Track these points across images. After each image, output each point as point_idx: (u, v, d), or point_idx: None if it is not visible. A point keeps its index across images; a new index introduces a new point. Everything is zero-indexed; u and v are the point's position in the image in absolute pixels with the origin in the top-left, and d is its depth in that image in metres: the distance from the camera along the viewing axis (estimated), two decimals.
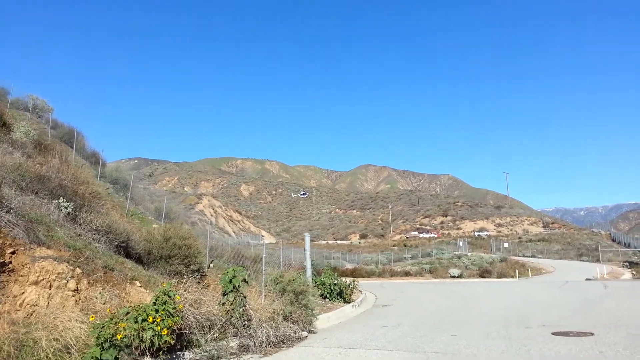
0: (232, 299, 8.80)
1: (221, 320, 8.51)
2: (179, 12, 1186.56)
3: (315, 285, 15.10)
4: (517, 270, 37.11)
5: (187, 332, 7.77)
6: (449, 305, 15.58)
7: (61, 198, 10.79)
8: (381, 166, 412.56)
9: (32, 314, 6.81)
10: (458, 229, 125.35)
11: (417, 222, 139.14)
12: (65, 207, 10.55)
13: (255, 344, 8.35)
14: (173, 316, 7.14)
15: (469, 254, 63.22)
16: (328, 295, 15.25)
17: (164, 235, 12.83)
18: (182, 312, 7.67)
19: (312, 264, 17.26)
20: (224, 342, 8.10)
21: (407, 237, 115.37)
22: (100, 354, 5.85)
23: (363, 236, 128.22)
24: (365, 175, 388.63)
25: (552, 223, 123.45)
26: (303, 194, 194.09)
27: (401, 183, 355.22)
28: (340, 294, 15.51)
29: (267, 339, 8.53)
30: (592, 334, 8.78)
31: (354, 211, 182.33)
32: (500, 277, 34.92)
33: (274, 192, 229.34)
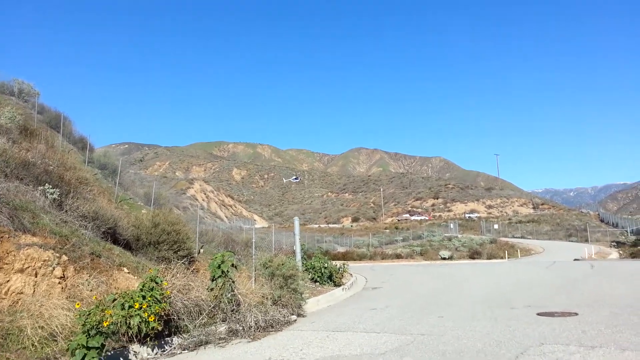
0: (221, 284, 8.82)
1: (210, 306, 8.54)
2: None
3: (306, 269, 15.18)
4: (506, 252, 37.55)
5: (175, 318, 7.79)
6: (437, 287, 15.74)
7: (47, 184, 10.67)
8: (373, 149, 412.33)
9: (17, 302, 6.78)
10: (449, 211, 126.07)
11: (408, 204, 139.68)
12: (51, 194, 10.44)
13: (244, 329, 8.39)
14: (160, 302, 7.15)
15: (459, 235, 63.75)
16: (318, 279, 15.35)
17: (152, 221, 12.77)
18: (170, 298, 7.68)
19: (303, 248, 17.32)
20: (213, 327, 8.14)
21: (398, 220, 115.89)
22: (87, 341, 5.83)
23: (355, 219, 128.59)
24: (357, 159, 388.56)
25: (542, 204, 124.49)
26: (295, 179, 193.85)
27: (393, 166, 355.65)
28: (330, 277, 15.61)
29: (255, 324, 8.57)
30: (576, 313, 8.92)
31: (346, 194, 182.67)
32: (490, 259, 35.31)
33: (266, 176, 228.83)
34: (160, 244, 12.27)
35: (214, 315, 8.55)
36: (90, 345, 5.83)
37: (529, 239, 64.54)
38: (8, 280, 6.98)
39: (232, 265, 9.04)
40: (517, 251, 39.77)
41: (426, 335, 7.56)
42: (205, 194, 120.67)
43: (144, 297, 6.97)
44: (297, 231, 15.88)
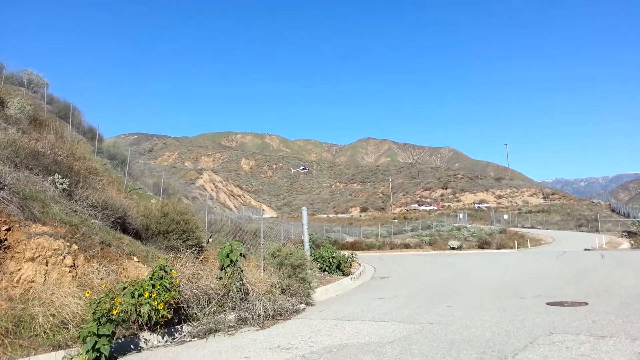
0: (230, 273, 8.86)
1: (219, 294, 8.59)
2: None
3: (314, 259, 15.21)
4: (516, 242, 37.39)
5: (184, 306, 7.86)
6: (446, 276, 15.72)
7: (56, 174, 10.76)
8: (382, 139, 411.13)
9: (29, 290, 6.86)
10: (458, 201, 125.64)
11: (417, 194, 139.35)
12: (61, 184, 10.53)
13: (252, 317, 8.44)
14: (170, 291, 7.21)
15: (468, 225, 63.57)
16: (327, 268, 15.38)
17: (161, 210, 12.85)
18: (179, 286, 7.74)
19: (312, 238, 17.34)
20: (222, 315, 8.19)
21: (407, 210, 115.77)
22: (98, 329, 5.91)
23: (363, 209, 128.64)
24: (366, 149, 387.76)
25: (552, 194, 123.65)
26: (303, 169, 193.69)
27: (401, 156, 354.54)
28: (338, 266, 15.64)
29: (264, 312, 8.62)
30: (586, 303, 8.86)
31: (355, 185, 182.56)
32: (499, 249, 35.18)
33: (274, 166, 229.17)
34: (169, 234, 12.35)
35: (223, 303, 8.61)
36: (101, 333, 5.90)
37: (539, 229, 64.22)
38: (19, 269, 7.07)
39: (241, 254, 9.08)
40: (526, 241, 39.59)
41: (434, 325, 7.56)
42: (214, 184, 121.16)
43: (153, 286, 7.03)
44: (306, 221, 15.90)
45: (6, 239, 7.20)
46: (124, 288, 7.01)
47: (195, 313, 7.91)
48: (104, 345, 5.89)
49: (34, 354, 5.74)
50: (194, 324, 7.74)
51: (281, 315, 8.89)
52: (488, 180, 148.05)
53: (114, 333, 6.13)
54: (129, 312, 6.71)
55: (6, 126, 13.31)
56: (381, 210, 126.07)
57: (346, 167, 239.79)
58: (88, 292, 6.73)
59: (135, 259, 9.31)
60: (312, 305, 10.41)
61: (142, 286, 6.97)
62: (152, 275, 7.26)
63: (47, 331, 6.12)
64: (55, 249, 7.54)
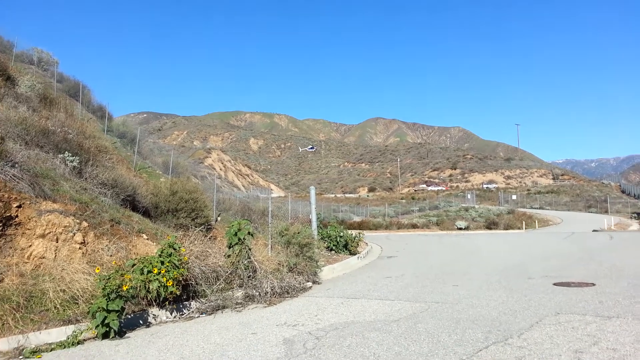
0: (238, 251, 8.92)
1: (227, 272, 8.66)
2: None
3: (322, 238, 15.27)
4: (524, 222, 37.23)
5: (193, 283, 7.93)
6: (453, 256, 15.73)
7: (66, 152, 10.81)
8: (391, 119, 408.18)
9: (39, 266, 6.95)
10: (467, 181, 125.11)
11: (425, 175, 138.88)
12: (71, 161, 10.58)
13: (260, 294, 8.52)
14: (178, 268, 7.27)
15: (476, 206, 63.37)
16: (334, 248, 15.45)
17: (170, 189, 12.91)
18: (188, 263, 7.80)
19: (319, 217, 17.40)
20: (230, 292, 8.27)
21: (415, 190, 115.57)
22: (107, 305, 5.99)
23: (371, 189, 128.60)
24: (375, 129, 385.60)
25: (562, 175, 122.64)
26: (311, 148, 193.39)
27: (410, 136, 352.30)
28: (345, 246, 15.70)
29: (271, 290, 8.69)
30: (593, 284, 8.83)
31: (363, 164, 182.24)
32: (507, 229, 35.08)
33: (282, 145, 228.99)
34: (178, 212, 12.43)
35: (231, 281, 8.69)
36: (110, 308, 5.98)
37: (548, 209, 63.87)
38: (30, 245, 7.15)
39: (249, 233, 9.12)
40: (535, 222, 39.42)
41: (440, 303, 7.57)
42: (222, 163, 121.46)
43: (162, 263, 7.09)
44: (313, 200, 15.92)
45: (17, 216, 7.27)
46: (133, 265, 7.08)
47: (204, 290, 7.98)
48: (113, 320, 5.97)
49: (45, 328, 5.83)
50: (202, 300, 7.82)
51: (288, 293, 8.96)
52: (497, 160, 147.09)
53: (123, 309, 6.21)
54: (138, 289, 6.79)
55: (17, 104, 13.36)
56: (389, 191, 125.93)
57: (355, 147, 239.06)
58: (98, 269, 6.81)
59: (145, 236, 9.38)
60: (319, 283, 10.47)
61: (151, 263, 7.03)
62: (161, 252, 7.31)
63: (58, 306, 6.22)
64: (65, 226, 7.61)
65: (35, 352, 5.44)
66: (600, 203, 62.16)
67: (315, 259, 11.03)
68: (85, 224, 7.99)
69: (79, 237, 7.69)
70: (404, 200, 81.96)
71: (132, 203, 11.50)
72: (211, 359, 5.14)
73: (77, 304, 6.39)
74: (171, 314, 7.30)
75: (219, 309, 7.76)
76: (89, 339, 6.02)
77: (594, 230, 29.43)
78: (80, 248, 7.59)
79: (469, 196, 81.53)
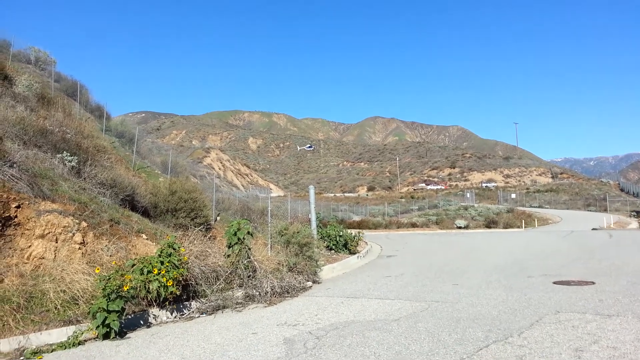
0: (237, 250, 8.93)
1: (226, 272, 8.67)
2: None
3: (321, 237, 15.28)
4: (523, 221, 37.29)
5: (193, 283, 7.94)
6: (452, 255, 15.75)
7: (65, 152, 10.80)
8: (389, 118, 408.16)
9: (39, 267, 6.95)
10: (466, 180, 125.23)
11: (424, 174, 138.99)
12: (70, 161, 10.58)
13: (260, 294, 8.53)
14: (178, 268, 7.27)
15: (475, 205, 63.38)
16: (334, 247, 15.46)
17: (169, 188, 12.91)
18: (188, 263, 7.81)
19: (319, 216, 17.40)
20: (230, 292, 8.29)
21: (414, 189, 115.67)
22: (107, 305, 5.99)
23: (371, 188, 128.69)
24: (373, 128, 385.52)
25: (561, 173, 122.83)
26: (309, 147, 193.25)
27: (409, 135, 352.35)
28: (345, 245, 15.71)
29: (271, 289, 8.70)
30: (593, 282, 8.85)
31: (362, 164, 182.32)
32: (506, 228, 35.14)
33: (281, 145, 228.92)
34: (177, 212, 12.43)
35: (231, 281, 8.70)
36: (111, 309, 5.99)
37: (547, 208, 63.94)
38: (29, 246, 7.15)
39: (248, 232, 9.13)
40: (534, 220, 39.49)
41: (440, 302, 7.59)
42: (221, 162, 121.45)
43: (162, 263, 7.10)
44: (313, 199, 15.93)
45: (16, 216, 7.27)
46: (133, 265, 7.09)
47: (204, 290, 7.99)
48: (113, 320, 5.98)
49: (45, 329, 5.84)
50: (202, 300, 7.83)
51: (288, 292, 8.97)
52: (496, 159, 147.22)
53: (123, 309, 6.22)
54: (138, 289, 6.80)
55: (14, 104, 13.33)
56: (388, 190, 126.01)
57: (353, 146, 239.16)
58: (98, 269, 6.81)
59: (144, 236, 9.39)
60: (318, 283, 10.49)
61: (151, 263, 7.04)
62: (161, 252, 7.32)
63: (58, 307, 6.22)
64: (64, 226, 7.62)
65: (36, 352, 5.45)
66: (599, 201, 62.22)
67: (315, 258, 11.04)
68: (84, 224, 8.00)
69: (78, 237, 7.69)
70: (403, 199, 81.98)
71: (131, 203, 11.50)
72: (212, 359, 5.16)
73: (78, 304, 6.40)
74: (171, 314, 7.31)
75: (219, 309, 7.77)
76: (90, 339, 6.03)
77: (593, 229, 29.48)
78: (79, 248, 7.59)
79: (468, 195, 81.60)
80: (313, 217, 15.62)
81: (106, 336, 5.99)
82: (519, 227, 35.42)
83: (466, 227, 35.37)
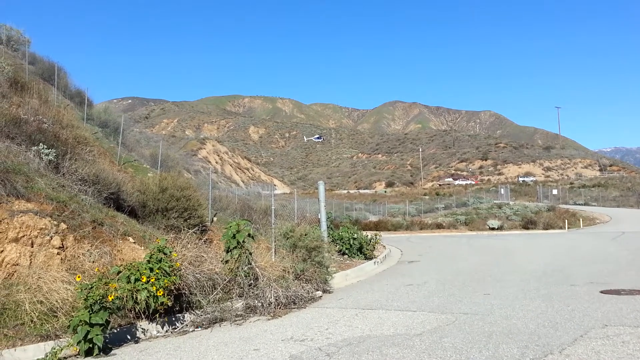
0: (237, 256, 8.97)
1: (224, 280, 8.71)
2: None
3: (332, 240, 15.31)
4: (566, 221, 36.99)
5: (186, 292, 7.99)
6: (484, 261, 15.71)
7: (41, 144, 10.89)
8: (411, 103, 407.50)
9: (13, 275, 7.05)
10: (500, 174, 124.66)
11: (452, 167, 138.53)
12: (47, 155, 10.67)
13: (262, 305, 8.57)
14: (170, 275, 7.33)
15: (511, 202, 63.09)
16: (347, 251, 15.49)
17: (159, 185, 12.99)
18: (180, 270, 7.86)
19: (329, 216, 17.42)
20: (228, 303, 8.32)
21: (440, 185, 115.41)
22: (90, 317, 6.05)
23: (389, 184, 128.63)
24: (392, 114, 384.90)
25: (611, 165, 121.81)
26: (318, 138, 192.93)
27: (434, 122, 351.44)
28: (360, 249, 15.73)
29: (276, 300, 8.74)
30: None
31: (379, 156, 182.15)
32: (546, 229, 34.91)
33: (287, 134, 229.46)
34: (168, 211, 12.51)
35: (230, 290, 8.74)
36: (93, 322, 6.04)
37: (594, 206, 63.47)
38: (2, 251, 7.25)
39: (249, 235, 9.16)
40: (579, 220, 39.20)
41: (470, 315, 7.58)
42: (218, 155, 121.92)
43: (151, 270, 7.15)
44: (322, 197, 15.94)
45: None
46: (119, 272, 7.14)
47: (199, 300, 8.05)
48: (97, 335, 6.04)
49: (20, 345, 5.91)
50: (197, 312, 7.89)
51: (295, 303, 9.01)
52: (535, 149, 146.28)
53: (108, 322, 6.27)
54: (124, 299, 6.85)
55: None
56: (410, 185, 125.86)
57: (369, 135, 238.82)
58: (79, 277, 6.88)
59: (131, 239, 9.47)
60: (329, 292, 10.52)
61: (138, 270, 7.10)
62: (150, 257, 7.38)
63: (34, 320, 6.30)
64: (41, 229, 7.71)
65: None
66: None
67: (326, 264, 11.07)
68: (63, 225, 8.08)
69: (56, 241, 7.78)
70: (427, 197, 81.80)
71: (116, 202, 11.60)
72: None
73: (57, 316, 6.47)
74: (162, 327, 7.37)
75: (216, 322, 7.82)
76: (70, 356, 6.10)
77: None
78: (58, 253, 7.68)
79: (502, 191, 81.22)
80: (323, 217, 15.64)
81: (88, 353, 6.05)
82: (561, 228, 35.18)
83: (500, 229, 35.21)
